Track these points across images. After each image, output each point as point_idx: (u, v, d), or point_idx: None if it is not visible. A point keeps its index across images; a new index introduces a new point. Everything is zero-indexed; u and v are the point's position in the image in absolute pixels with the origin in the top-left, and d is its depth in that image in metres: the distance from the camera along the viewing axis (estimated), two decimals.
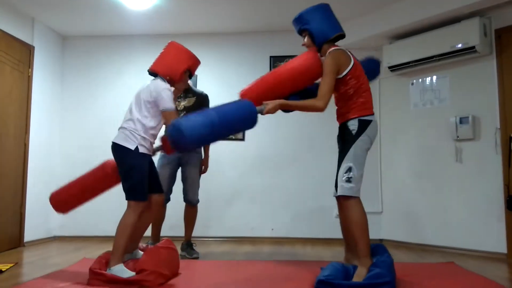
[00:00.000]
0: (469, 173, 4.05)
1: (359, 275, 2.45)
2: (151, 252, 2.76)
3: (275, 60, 5.11)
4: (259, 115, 2.60)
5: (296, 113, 4.97)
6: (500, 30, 3.89)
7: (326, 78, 2.56)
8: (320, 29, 2.66)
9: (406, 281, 2.67)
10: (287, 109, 2.78)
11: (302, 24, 2.72)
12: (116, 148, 2.79)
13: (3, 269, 3.08)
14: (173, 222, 4.79)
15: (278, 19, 4.80)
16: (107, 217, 4.89)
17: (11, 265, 3.29)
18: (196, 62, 3.09)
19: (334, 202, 5.13)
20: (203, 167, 3.89)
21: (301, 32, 2.77)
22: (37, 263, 3.48)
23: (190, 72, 3.07)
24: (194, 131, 2.32)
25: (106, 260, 2.76)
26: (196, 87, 5.13)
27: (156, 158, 3.40)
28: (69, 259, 3.60)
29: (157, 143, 3.04)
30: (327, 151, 5.01)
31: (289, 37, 5.14)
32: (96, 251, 3.18)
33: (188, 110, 3.71)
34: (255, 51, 5.18)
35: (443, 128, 4.26)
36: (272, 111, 2.63)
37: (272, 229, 4.94)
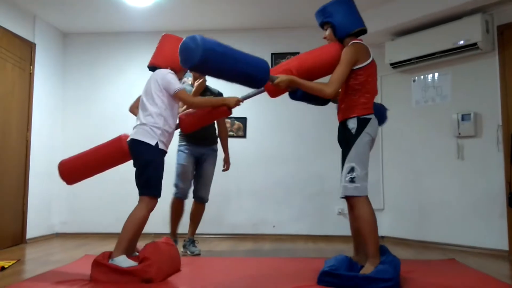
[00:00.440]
0: (470, 170, 4.05)
1: (366, 271, 2.45)
2: (152, 246, 2.76)
3: (276, 57, 5.10)
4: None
5: (297, 111, 5.01)
6: (502, 26, 3.87)
7: (341, 66, 2.54)
8: (342, 22, 2.64)
9: (407, 277, 2.67)
10: (295, 90, 2.76)
11: (324, 16, 2.69)
12: (135, 143, 2.79)
13: (5, 266, 3.09)
14: None
15: (279, 16, 4.78)
16: (108, 215, 4.92)
17: (14, 261, 3.30)
18: None
19: (335, 199, 5.12)
20: (225, 165, 3.98)
21: (323, 25, 2.74)
22: (39, 259, 3.50)
23: None
24: (208, 44, 2.35)
25: (110, 253, 2.76)
26: None
27: (172, 154, 3.40)
28: (71, 256, 3.61)
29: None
30: (329, 148, 4.99)
31: (290, 34, 5.15)
32: (98, 248, 3.20)
33: None
34: (256, 48, 5.12)
35: (445, 125, 4.25)
36: (282, 84, 2.59)
37: (274, 226, 4.95)
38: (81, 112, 5.24)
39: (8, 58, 4.20)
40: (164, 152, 2.84)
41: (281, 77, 2.58)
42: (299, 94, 2.83)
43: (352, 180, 2.52)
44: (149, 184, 2.76)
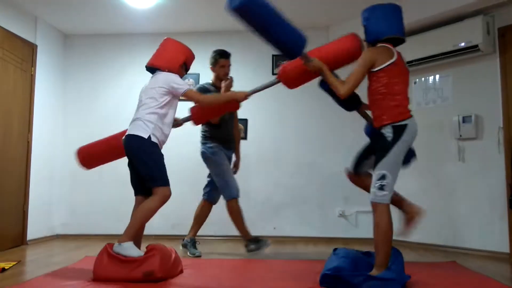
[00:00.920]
0: (471, 172, 4.04)
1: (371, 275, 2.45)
2: (155, 245, 2.77)
3: (278, 59, 5.10)
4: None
5: (299, 113, 5.01)
6: (504, 28, 3.87)
7: (357, 68, 2.57)
8: (374, 28, 2.64)
9: (409, 280, 2.66)
10: (322, 79, 2.80)
11: (363, 19, 2.71)
12: (129, 139, 2.82)
13: (6, 267, 3.08)
14: (174, 221, 4.82)
15: None
16: (109, 216, 4.92)
17: (14, 263, 3.30)
18: (191, 57, 3.17)
19: (336, 201, 5.10)
20: (233, 168, 4.05)
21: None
22: (40, 261, 3.50)
23: (186, 66, 3.14)
24: None
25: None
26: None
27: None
28: (72, 257, 3.61)
29: (186, 114, 3.25)
30: (330, 150, 5.01)
31: None
32: (99, 250, 3.17)
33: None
34: (257, 49, 5.15)
35: (445, 127, 4.25)
36: (312, 65, 2.64)
37: (274, 228, 4.94)
38: (82, 113, 5.24)
39: (9, 59, 4.21)
40: (157, 145, 2.86)
41: (315, 60, 2.64)
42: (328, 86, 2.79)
43: (381, 188, 2.49)
44: (153, 177, 2.78)
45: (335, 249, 2.81)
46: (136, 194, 2.96)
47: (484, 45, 3.83)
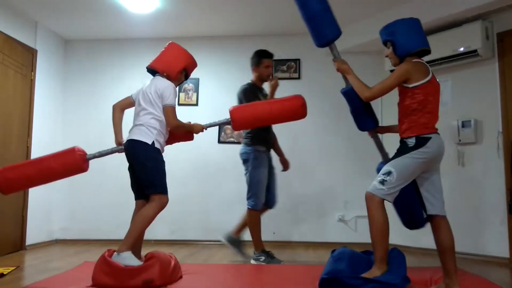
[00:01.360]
0: (471, 177, 4.04)
1: (371, 274, 2.44)
2: (154, 252, 2.75)
3: (276, 64, 5.11)
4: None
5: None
6: (502, 33, 3.89)
7: (389, 78, 2.58)
8: (403, 41, 2.64)
9: (408, 284, 2.65)
10: (345, 89, 2.81)
11: (387, 35, 2.71)
12: (132, 144, 2.81)
13: (4, 273, 3.08)
14: (174, 227, 4.81)
15: (279, 22, 4.81)
16: (109, 221, 4.91)
17: (13, 268, 3.29)
18: (193, 64, 3.14)
19: (336, 206, 5.08)
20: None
21: (386, 42, 2.74)
22: (39, 266, 3.49)
23: (186, 73, 3.13)
24: None
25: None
26: (198, 90, 5.15)
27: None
28: (71, 262, 3.60)
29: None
30: (331, 155, 5.01)
31: (290, 41, 5.17)
32: (98, 255, 3.15)
33: None
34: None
35: (445, 132, 4.21)
36: (338, 63, 2.76)
37: (274, 233, 4.93)
38: (81, 118, 5.25)
39: (9, 64, 4.21)
40: (160, 152, 2.86)
41: (344, 64, 2.74)
42: (349, 91, 2.78)
43: (382, 182, 2.47)
44: (154, 183, 2.77)
45: (333, 251, 2.81)
46: (136, 198, 2.95)
47: (483, 50, 3.84)
